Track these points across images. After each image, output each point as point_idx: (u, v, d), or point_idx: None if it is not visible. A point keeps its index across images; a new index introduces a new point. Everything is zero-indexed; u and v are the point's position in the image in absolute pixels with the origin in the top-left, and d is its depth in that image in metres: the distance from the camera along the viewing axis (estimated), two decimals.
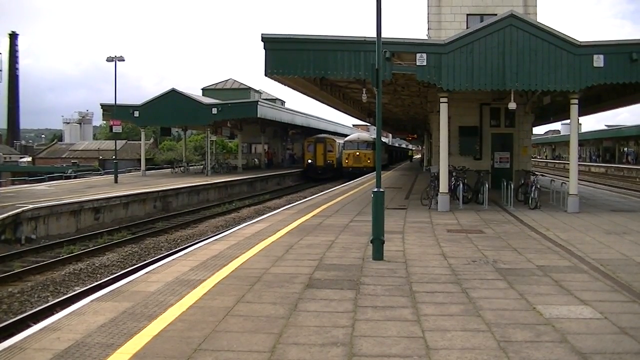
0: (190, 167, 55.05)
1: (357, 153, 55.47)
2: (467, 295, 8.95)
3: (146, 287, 9.36)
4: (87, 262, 17.67)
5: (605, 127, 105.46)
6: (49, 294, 14.04)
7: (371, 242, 11.87)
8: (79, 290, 14.08)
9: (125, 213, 27.56)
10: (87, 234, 22.34)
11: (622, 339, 7.01)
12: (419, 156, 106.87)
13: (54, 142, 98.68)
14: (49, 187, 33.64)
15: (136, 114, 44.55)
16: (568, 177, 22.40)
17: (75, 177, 47.35)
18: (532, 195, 21.31)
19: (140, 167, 49.50)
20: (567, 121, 25.57)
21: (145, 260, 17.79)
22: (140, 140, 51.45)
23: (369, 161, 53.99)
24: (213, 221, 27.35)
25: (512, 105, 21.66)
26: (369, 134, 70.08)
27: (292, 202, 27.65)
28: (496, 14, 23.63)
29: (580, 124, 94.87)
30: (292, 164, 66.09)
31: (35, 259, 17.88)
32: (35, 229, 21.36)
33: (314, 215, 19.33)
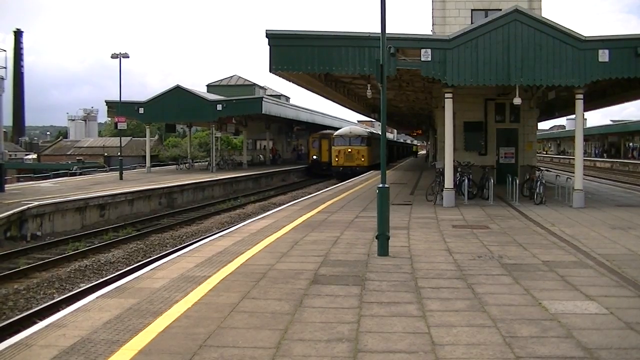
0: (195, 164, 55.08)
1: (349, 150, 47.94)
2: (473, 290, 8.94)
3: (151, 284, 9.38)
4: (93, 258, 17.71)
5: (611, 122, 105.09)
6: (54, 291, 14.07)
7: (376, 238, 11.87)
8: (84, 286, 14.09)
9: (131, 210, 27.61)
10: (93, 231, 22.38)
11: (628, 334, 6.99)
12: (424, 152, 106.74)
13: (59, 139, 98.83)
14: (54, 184, 33.73)
15: (141, 110, 44.67)
16: (573, 173, 22.34)
17: (80, 174, 47.42)
18: (537, 190, 21.26)
19: (145, 163, 49.55)
20: (572, 116, 25.52)
21: (150, 256, 17.82)
22: (145, 137, 51.53)
23: (362, 159, 47.61)
24: (218, 218, 27.39)
25: (517, 101, 21.65)
26: (363, 127, 66.84)
27: (297, 199, 27.65)
28: (500, 9, 23.66)
29: (586, 119, 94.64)
30: (298, 160, 66.13)
31: (41, 256, 17.91)
32: (41, 226, 21.41)
33: (319, 212, 19.33)
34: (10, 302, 13.08)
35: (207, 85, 65.91)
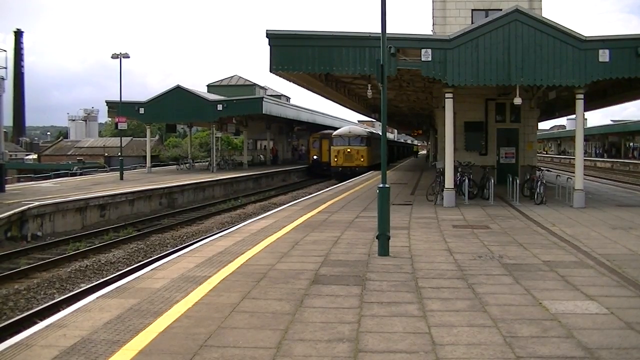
0: (196, 164, 55.09)
1: (348, 150, 47.05)
2: (473, 290, 8.94)
3: (152, 284, 9.38)
4: (93, 259, 17.72)
5: (611, 122, 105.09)
6: (54, 291, 14.08)
7: (377, 238, 11.87)
8: (84, 287, 14.10)
9: (131, 210, 27.62)
10: (93, 231, 22.39)
11: (628, 334, 6.99)
12: (424, 152, 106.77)
13: (59, 140, 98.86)
14: (55, 184, 33.73)
15: (141, 110, 44.69)
16: (574, 172, 22.34)
17: (80, 174, 47.44)
18: (538, 190, 21.27)
19: (145, 164, 49.57)
20: (573, 116, 25.53)
21: (151, 256, 17.82)
22: (146, 137, 51.54)
23: (362, 159, 46.88)
24: (219, 218, 27.39)
25: (517, 101, 21.65)
26: (363, 127, 66.24)
27: (298, 199, 27.65)
28: (501, 9, 23.66)
29: (586, 119, 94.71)
30: (299, 159, 66.12)
31: (41, 256, 17.92)
32: (41, 226, 21.41)
33: (319, 212, 19.33)
34: (10, 302, 13.09)
35: (207, 86, 65.95)
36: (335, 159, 47.60)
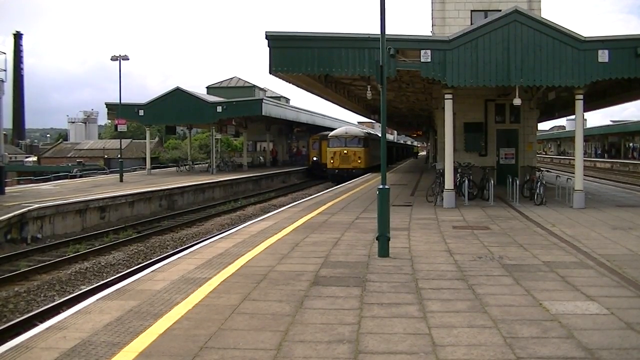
0: (196, 166, 55.02)
1: (345, 151, 45.43)
2: (473, 291, 8.94)
3: (152, 286, 9.38)
4: (93, 261, 17.71)
5: (611, 123, 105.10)
6: (55, 293, 14.08)
7: (377, 239, 11.86)
8: (85, 289, 14.11)
9: (131, 212, 27.60)
10: (93, 233, 22.38)
11: (628, 334, 6.99)
12: (424, 153, 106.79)
13: (59, 142, 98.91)
14: (55, 186, 33.72)
15: (141, 112, 44.71)
16: (573, 173, 22.34)
17: (80, 177, 47.41)
18: (538, 191, 21.27)
19: (145, 165, 49.54)
20: (573, 117, 25.53)
21: (151, 258, 17.82)
22: (145, 139, 51.54)
23: (359, 161, 45.37)
24: (218, 219, 27.39)
25: (517, 101, 21.64)
26: (360, 128, 65.49)
27: (298, 200, 27.64)
28: (500, 10, 23.65)
29: (586, 120, 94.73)
30: (295, 162, 66.10)
31: (41, 258, 17.92)
32: (41, 228, 21.40)
33: (319, 213, 19.32)
34: (10, 304, 13.09)
35: (207, 87, 65.91)
36: (332, 161, 46.06)
